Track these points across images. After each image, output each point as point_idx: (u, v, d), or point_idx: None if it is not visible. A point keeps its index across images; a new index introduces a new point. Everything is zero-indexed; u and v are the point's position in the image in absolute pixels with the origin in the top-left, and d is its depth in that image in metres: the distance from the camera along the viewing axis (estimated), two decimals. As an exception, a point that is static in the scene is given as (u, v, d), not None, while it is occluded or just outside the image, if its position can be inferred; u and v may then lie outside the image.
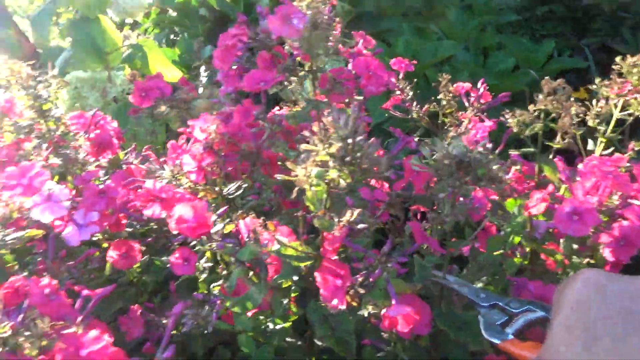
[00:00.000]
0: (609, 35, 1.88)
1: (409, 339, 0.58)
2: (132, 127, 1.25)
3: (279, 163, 0.74)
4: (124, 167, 0.91)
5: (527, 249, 0.70)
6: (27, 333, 0.45)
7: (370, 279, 0.56)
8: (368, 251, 0.58)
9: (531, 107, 0.85)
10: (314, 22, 0.60)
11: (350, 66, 0.68)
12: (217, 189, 0.68)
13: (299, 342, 0.70)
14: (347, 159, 0.42)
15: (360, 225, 0.62)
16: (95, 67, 1.37)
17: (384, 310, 0.54)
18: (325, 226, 0.51)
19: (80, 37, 1.25)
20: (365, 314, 0.58)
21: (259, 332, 0.67)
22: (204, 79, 1.67)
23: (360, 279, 0.57)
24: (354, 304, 0.55)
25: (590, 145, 1.08)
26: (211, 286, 0.76)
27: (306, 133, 0.45)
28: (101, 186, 0.68)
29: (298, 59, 0.68)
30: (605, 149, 0.89)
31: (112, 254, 0.76)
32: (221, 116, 0.65)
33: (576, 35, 1.91)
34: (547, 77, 0.83)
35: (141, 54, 1.36)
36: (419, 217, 0.99)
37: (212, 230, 0.60)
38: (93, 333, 0.51)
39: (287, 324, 0.64)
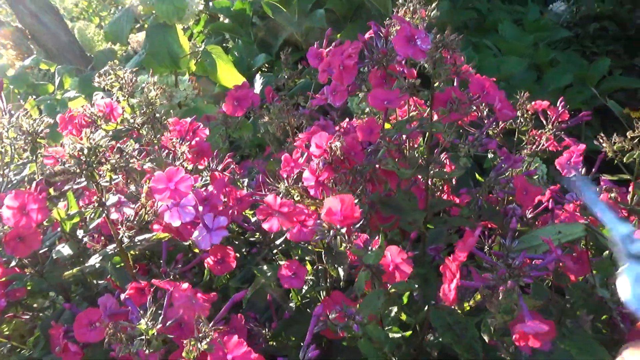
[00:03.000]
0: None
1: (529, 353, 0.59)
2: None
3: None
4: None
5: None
6: (197, 336, 0.46)
7: (500, 290, 0.57)
8: (498, 262, 0.59)
9: (630, 134, 0.85)
10: (439, 43, 0.62)
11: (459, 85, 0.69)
12: (326, 201, 0.70)
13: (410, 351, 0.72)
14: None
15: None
16: (163, 72, 1.40)
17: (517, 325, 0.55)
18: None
19: (158, 42, 1.28)
20: (492, 325, 0.59)
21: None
22: (258, 87, 1.70)
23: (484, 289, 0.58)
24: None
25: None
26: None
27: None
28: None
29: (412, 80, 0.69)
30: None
31: (209, 260, 0.78)
32: (340, 132, 0.67)
33: (628, 54, 1.91)
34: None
35: (209, 61, 1.39)
36: (486, 233, 1.00)
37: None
38: (235, 339, 0.53)
39: (408, 333, 0.65)
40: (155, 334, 0.52)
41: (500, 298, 0.54)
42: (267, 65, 1.99)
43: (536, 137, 1.00)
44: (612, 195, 0.82)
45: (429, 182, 0.81)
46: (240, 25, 1.97)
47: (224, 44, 2.15)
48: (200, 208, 0.63)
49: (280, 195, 0.68)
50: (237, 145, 1.40)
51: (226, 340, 0.52)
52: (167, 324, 0.53)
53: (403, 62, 0.71)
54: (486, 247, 1.01)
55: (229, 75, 1.44)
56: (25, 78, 1.76)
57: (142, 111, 0.75)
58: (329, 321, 0.57)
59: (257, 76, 1.72)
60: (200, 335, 0.47)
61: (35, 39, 2.35)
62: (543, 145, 0.99)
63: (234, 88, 0.95)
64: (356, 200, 0.69)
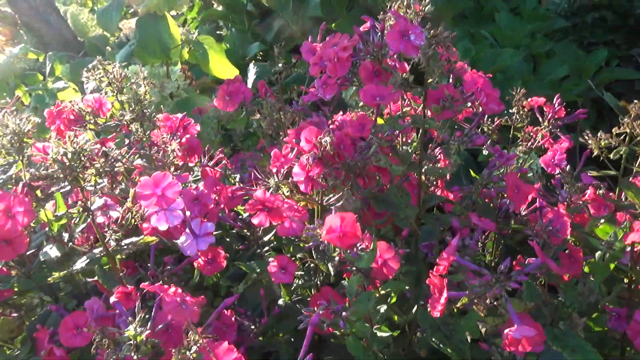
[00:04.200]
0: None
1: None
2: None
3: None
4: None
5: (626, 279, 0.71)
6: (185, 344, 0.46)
7: (487, 297, 0.57)
8: (483, 269, 0.59)
9: (615, 130, 0.85)
10: (432, 39, 0.61)
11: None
12: (317, 199, 0.69)
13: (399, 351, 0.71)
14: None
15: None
16: (154, 62, 1.38)
17: (506, 330, 0.54)
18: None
19: (149, 33, 1.26)
20: (483, 328, 0.58)
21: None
22: (251, 77, 1.68)
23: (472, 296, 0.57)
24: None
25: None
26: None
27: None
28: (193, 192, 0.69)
29: (405, 75, 0.68)
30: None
31: (199, 260, 0.77)
32: (333, 127, 0.66)
33: (626, 44, 1.89)
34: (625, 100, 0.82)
35: (201, 52, 1.37)
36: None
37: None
38: (225, 345, 0.52)
39: (396, 332, 0.65)
40: (144, 339, 0.52)
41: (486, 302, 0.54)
42: (261, 54, 1.97)
43: (532, 134, 0.99)
44: (600, 192, 0.82)
45: (423, 178, 0.80)
46: (234, 13, 1.95)
47: (218, 31, 2.12)
48: (188, 213, 0.62)
49: (270, 191, 0.67)
50: (229, 136, 1.39)
51: (215, 347, 0.51)
52: (156, 329, 0.53)
53: (395, 56, 0.70)
54: (479, 243, 1.01)
55: (221, 66, 1.42)
56: (14, 68, 1.73)
57: (131, 108, 0.74)
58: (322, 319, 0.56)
59: (251, 65, 1.70)
60: (189, 342, 0.46)
61: (25, 24, 2.32)
62: (538, 142, 0.98)
63: (226, 82, 0.93)
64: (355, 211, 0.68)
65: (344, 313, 0.57)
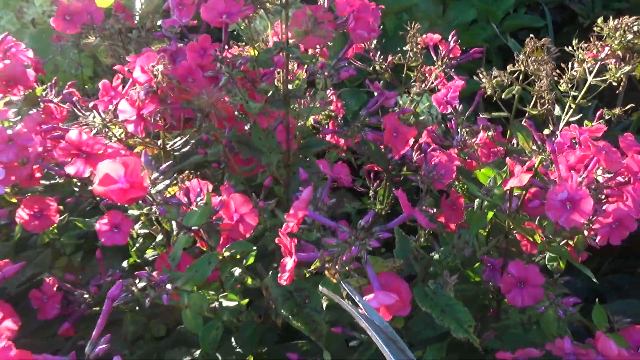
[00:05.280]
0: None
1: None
2: (54, 57, 1.07)
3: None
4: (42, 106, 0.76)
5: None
6: None
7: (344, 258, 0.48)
8: (340, 226, 0.50)
9: (510, 68, 0.78)
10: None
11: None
12: (159, 142, 0.57)
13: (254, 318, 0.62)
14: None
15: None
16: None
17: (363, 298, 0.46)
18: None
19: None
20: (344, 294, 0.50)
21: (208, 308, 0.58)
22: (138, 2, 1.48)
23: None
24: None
25: (557, 111, 1.05)
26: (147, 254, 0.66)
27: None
28: (10, 131, 0.55)
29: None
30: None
31: (22, 214, 0.64)
32: (168, 54, 0.53)
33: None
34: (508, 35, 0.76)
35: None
36: (372, 176, 0.93)
37: (153, 191, 0.49)
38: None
39: (244, 301, 0.56)
40: None
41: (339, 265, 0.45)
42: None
43: (426, 74, 0.92)
44: (489, 134, 0.76)
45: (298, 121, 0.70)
46: None
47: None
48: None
49: (94, 133, 0.54)
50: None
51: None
52: None
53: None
54: (371, 191, 0.93)
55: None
56: None
57: None
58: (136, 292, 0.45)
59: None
60: None
61: None
62: (432, 83, 0.91)
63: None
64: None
65: (168, 285, 0.46)
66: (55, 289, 0.61)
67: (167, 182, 0.44)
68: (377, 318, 0.38)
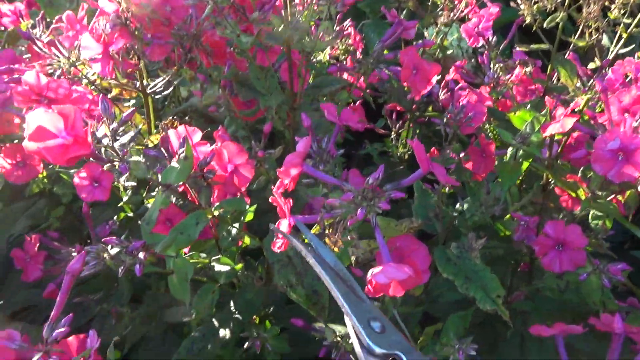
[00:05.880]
0: None
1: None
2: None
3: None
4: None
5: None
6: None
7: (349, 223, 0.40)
8: (344, 183, 0.42)
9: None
10: None
11: None
12: (137, 84, 0.49)
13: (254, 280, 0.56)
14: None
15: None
16: None
17: (369, 273, 0.38)
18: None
19: None
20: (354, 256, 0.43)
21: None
22: None
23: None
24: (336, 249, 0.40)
25: (604, 41, 0.92)
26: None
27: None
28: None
29: None
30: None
31: (3, 163, 0.58)
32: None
33: None
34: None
35: None
36: (394, 116, 0.84)
37: (121, 142, 0.40)
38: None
39: (238, 266, 0.49)
40: None
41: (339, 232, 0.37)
42: None
43: (455, 1, 0.81)
44: (527, 70, 0.66)
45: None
46: None
47: None
48: None
49: (57, 74, 0.46)
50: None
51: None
52: None
53: None
54: (393, 133, 0.85)
55: None
56: None
57: None
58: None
59: None
60: None
61: None
62: (461, 11, 0.80)
63: None
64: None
65: (141, 254, 0.39)
66: (36, 248, 0.55)
67: (132, 133, 0.37)
68: (329, 257, 0.37)
